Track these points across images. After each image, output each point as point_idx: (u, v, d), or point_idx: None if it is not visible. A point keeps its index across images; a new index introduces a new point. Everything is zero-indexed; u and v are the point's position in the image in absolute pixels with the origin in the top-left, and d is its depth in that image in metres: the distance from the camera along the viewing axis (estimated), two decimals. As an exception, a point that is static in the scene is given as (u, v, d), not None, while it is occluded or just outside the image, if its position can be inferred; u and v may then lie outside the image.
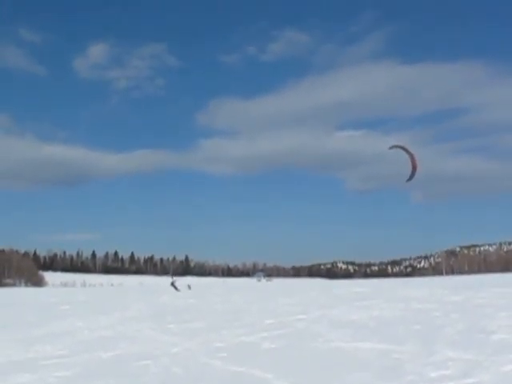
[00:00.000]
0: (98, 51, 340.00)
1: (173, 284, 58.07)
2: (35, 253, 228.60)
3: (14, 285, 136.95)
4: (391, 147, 18.86)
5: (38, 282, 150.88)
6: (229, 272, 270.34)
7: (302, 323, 14.50)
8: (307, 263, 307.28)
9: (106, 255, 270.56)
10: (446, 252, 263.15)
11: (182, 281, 72.62)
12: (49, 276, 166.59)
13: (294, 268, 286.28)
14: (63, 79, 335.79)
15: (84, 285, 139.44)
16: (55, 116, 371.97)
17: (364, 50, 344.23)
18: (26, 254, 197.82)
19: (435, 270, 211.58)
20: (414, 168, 17.99)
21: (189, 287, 62.13)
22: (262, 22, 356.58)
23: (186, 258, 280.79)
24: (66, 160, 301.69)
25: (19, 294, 55.11)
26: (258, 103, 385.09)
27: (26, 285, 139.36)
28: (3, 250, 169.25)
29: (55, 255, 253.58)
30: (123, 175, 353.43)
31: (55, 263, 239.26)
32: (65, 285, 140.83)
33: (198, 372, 8.02)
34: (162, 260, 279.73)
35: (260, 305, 23.84)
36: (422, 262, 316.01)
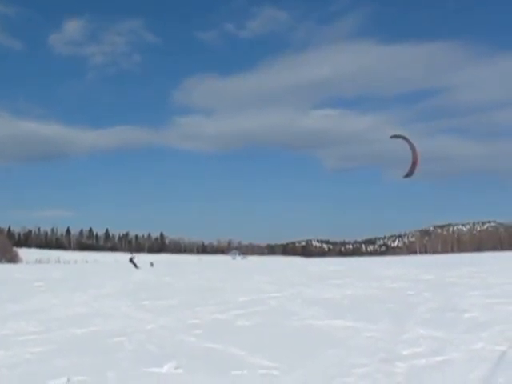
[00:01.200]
0: (73, 26, 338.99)
1: (131, 260, 57.62)
2: (9, 229, 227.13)
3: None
4: (392, 136, 17.64)
5: (13, 259, 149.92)
6: (204, 249, 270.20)
7: (277, 301, 14.56)
8: (282, 241, 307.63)
9: (81, 232, 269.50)
10: (419, 231, 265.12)
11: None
12: (23, 252, 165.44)
13: (268, 246, 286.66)
14: (38, 54, 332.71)
15: (58, 261, 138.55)
16: (30, 92, 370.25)
17: (342, 29, 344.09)
18: (1, 231, 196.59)
19: (409, 249, 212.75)
20: (415, 163, 16.61)
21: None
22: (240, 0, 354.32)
23: (161, 235, 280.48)
24: (41, 137, 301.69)
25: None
26: (235, 81, 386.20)
27: (0, 261, 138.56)
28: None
29: (30, 232, 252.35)
30: (99, 152, 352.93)
31: (30, 240, 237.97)
32: (39, 261, 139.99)
33: (172, 349, 8.02)
34: (136, 237, 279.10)
35: (235, 282, 23.96)
36: (396, 241, 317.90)
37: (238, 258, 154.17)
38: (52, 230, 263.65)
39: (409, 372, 6.17)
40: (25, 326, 11.00)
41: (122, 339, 8.97)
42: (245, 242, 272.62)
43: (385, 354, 7.21)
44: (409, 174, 16.50)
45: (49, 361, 7.42)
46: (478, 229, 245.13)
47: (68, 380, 6.24)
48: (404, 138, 16.66)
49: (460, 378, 5.75)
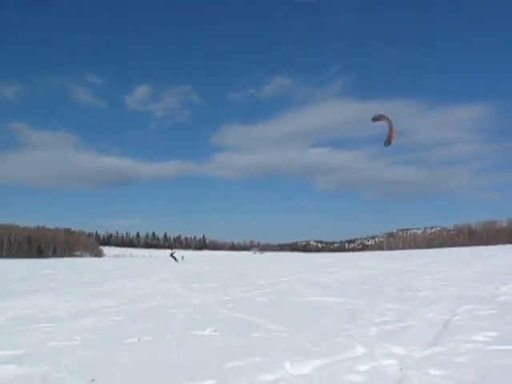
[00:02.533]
0: (142, 90, 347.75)
1: (172, 255, 54.29)
2: (96, 233, 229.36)
3: (81, 256, 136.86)
4: (373, 119, 14.89)
5: (99, 254, 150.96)
6: (233, 247, 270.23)
7: (285, 284, 14.54)
8: (289, 241, 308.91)
9: (147, 235, 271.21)
10: (386, 234, 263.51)
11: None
12: (106, 249, 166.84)
13: (279, 244, 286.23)
14: (117, 111, 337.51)
15: (131, 256, 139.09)
16: (111, 136, 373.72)
17: (331, 91, 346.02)
18: (90, 234, 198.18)
19: (379, 247, 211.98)
20: (391, 130, 14.41)
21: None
22: (259, 71, 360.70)
23: (203, 236, 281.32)
24: (117, 168, 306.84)
25: (85, 263, 55.01)
26: (256, 128, 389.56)
27: (90, 256, 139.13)
28: (74, 231, 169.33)
29: (111, 235, 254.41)
30: (158, 179, 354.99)
31: (111, 240, 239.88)
32: (117, 256, 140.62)
33: (211, 318, 8.03)
34: (186, 238, 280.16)
35: (255, 271, 23.89)
36: (370, 240, 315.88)
37: (257, 253, 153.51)
38: (126, 233, 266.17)
39: (379, 334, 6.16)
40: (107, 301, 11.05)
41: (175, 311, 8.99)
42: (262, 242, 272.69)
43: (363, 321, 7.20)
44: (387, 143, 14.42)
45: (124, 326, 7.45)
46: (428, 231, 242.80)
47: (138, 340, 6.26)
48: (381, 116, 14.61)
49: (416, 339, 5.73)
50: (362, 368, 4.56)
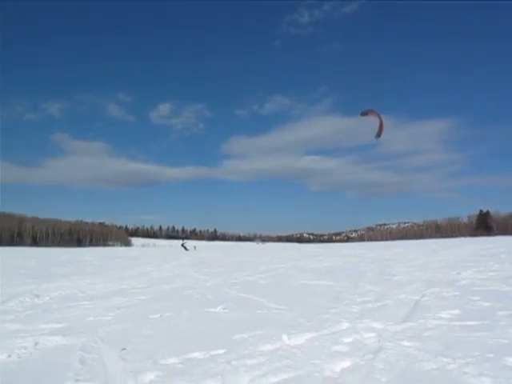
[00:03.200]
0: (164, 107, 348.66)
1: (183, 245, 51.17)
2: (126, 226, 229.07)
3: (113, 245, 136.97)
4: (361, 113, 13.70)
5: (128, 243, 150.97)
6: (240, 238, 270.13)
7: (282, 269, 14.52)
8: (286, 233, 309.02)
9: (168, 228, 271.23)
10: (367, 228, 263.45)
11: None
12: (134, 240, 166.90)
13: (278, 236, 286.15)
14: (143, 124, 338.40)
15: (154, 245, 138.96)
16: (138, 145, 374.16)
17: (320, 108, 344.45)
18: (120, 227, 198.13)
19: (361, 239, 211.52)
20: (381, 125, 13.29)
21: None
22: (262, 91, 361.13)
23: (215, 229, 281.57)
24: (144, 172, 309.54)
25: (117, 251, 55.00)
26: (259, 139, 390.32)
27: (121, 245, 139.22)
28: (107, 225, 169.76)
29: (138, 228, 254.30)
30: (178, 181, 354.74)
31: (138, 232, 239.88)
32: (143, 245, 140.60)
33: (221, 297, 8.04)
34: (200, 231, 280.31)
35: (257, 258, 23.87)
36: (353, 233, 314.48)
37: (260, 243, 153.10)
38: (150, 226, 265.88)
39: (361, 311, 6.15)
40: (134, 283, 11.05)
41: (191, 292, 9.00)
42: (264, 233, 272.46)
43: (347, 301, 7.19)
44: (378, 135, 13.40)
45: (149, 304, 7.46)
46: (402, 226, 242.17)
47: (160, 316, 6.27)
48: (370, 110, 13.40)
49: (392, 315, 5.72)
50: (347, 340, 4.57)
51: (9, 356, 4.34)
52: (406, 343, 4.34)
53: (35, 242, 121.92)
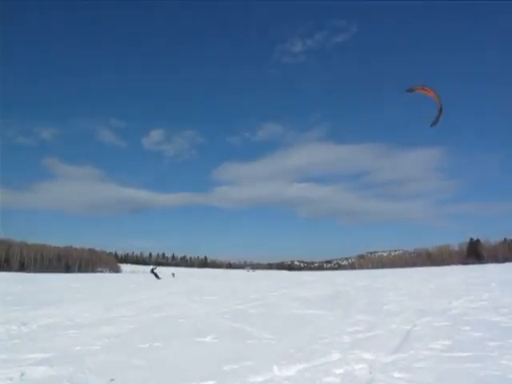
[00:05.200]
0: (156, 133, 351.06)
1: (152, 271, 42.88)
2: (116, 252, 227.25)
3: (102, 271, 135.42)
4: (410, 89, 10.79)
5: (117, 270, 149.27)
6: (230, 266, 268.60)
7: (273, 297, 14.44)
8: (276, 261, 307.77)
9: (157, 255, 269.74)
10: (358, 256, 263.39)
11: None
12: (123, 266, 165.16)
13: (268, 264, 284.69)
14: (135, 149, 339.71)
15: (144, 272, 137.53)
16: (129, 171, 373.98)
17: (313, 135, 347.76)
18: (110, 253, 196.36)
19: (352, 266, 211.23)
20: (440, 110, 10.36)
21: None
22: (254, 118, 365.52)
23: (205, 257, 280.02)
24: (135, 198, 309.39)
25: (105, 277, 54.36)
26: (250, 166, 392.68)
27: (110, 271, 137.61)
28: (97, 251, 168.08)
29: (127, 254, 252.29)
30: (169, 207, 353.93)
31: (127, 258, 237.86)
32: (132, 272, 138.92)
33: (212, 326, 7.95)
34: (190, 258, 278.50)
35: (248, 286, 23.73)
36: (344, 261, 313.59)
37: (250, 271, 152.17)
38: (140, 253, 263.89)
39: (352, 342, 6.12)
40: (123, 311, 10.90)
41: (181, 320, 8.89)
42: (254, 261, 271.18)
43: (337, 331, 7.15)
44: (435, 122, 10.73)
45: (138, 333, 7.37)
46: (393, 254, 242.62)
47: (150, 345, 6.20)
48: (421, 87, 10.58)
49: (382, 346, 5.71)
50: (338, 371, 4.55)
51: (-6, 387, 4.27)
52: (396, 375, 4.32)
53: (22, 267, 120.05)
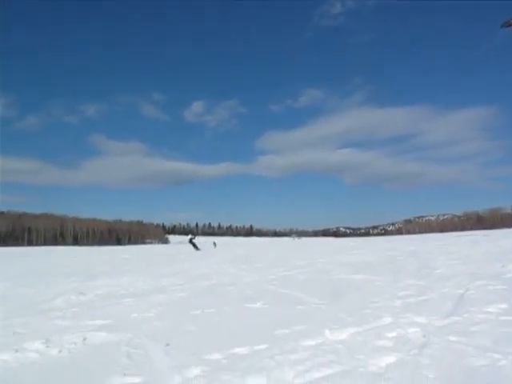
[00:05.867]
0: (197, 105, 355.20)
1: (191, 241, 38.49)
2: (163, 224, 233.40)
3: (151, 243, 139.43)
4: (508, 23, 9.79)
5: (165, 241, 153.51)
6: (276, 234, 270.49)
7: (320, 264, 14.41)
8: (322, 228, 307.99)
9: (204, 225, 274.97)
10: (404, 221, 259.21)
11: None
12: (171, 238, 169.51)
13: (313, 231, 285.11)
14: (177, 122, 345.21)
15: (199, 242, 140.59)
16: (173, 144, 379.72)
17: (355, 99, 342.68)
18: (158, 225, 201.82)
19: (398, 232, 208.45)
20: None
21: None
22: (295, 84, 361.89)
23: (251, 226, 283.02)
24: (179, 170, 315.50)
25: (154, 249, 56.02)
26: (293, 133, 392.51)
27: (158, 243, 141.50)
28: (145, 223, 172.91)
29: (174, 226, 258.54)
30: (212, 178, 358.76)
31: (175, 230, 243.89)
32: (180, 242, 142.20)
33: (261, 293, 8.05)
34: (236, 227, 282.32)
35: (294, 253, 23.81)
36: (391, 226, 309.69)
37: (296, 238, 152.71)
38: (187, 224, 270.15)
39: (403, 306, 6.04)
40: (174, 280, 11.20)
41: (230, 288, 9.05)
42: (300, 229, 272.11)
43: (387, 295, 7.06)
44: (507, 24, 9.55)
45: (189, 301, 7.56)
46: (441, 218, 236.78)
47: (202, 311, 6.35)
48: None
49: (435, 310, 5.60)
50: (390, 335, 4.51)
51: (60, 351, 4.50)
52: (452, 338, 4.24)
53: (76, 241, 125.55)
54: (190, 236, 39.92)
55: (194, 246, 36.97)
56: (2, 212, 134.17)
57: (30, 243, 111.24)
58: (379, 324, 5.01)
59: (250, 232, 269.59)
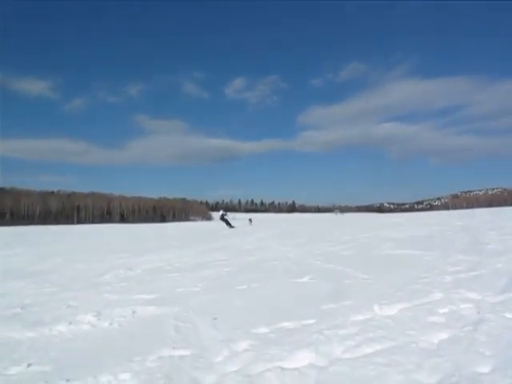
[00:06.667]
0: (238, 82, 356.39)
1: (223, 218, 34.15)
2: (206, 201, 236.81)
3: (195, 220, 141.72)
4: None
5: (209, 218, 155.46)
6: (318, 210, 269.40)
7: (365, 239, 14.20)
8: (365, 203, 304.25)
9: (246, 202, 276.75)
10: (451, 195, 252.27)
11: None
12: (214, 214, 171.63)
13: (357, 206, 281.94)
14: (218, 100, 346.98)
15: (234, 218, 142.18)
16: (215, 121, 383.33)
17: (399, 71, 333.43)
18: (201, 202, 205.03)
19: (444, 207, 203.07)
20: None
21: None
22: (336, 58, 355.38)
23: (293, 201, 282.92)
24: (221, 147, 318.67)
25: (198, 225, 56.85)
26: (334, 108, 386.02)
27: (202, 220, 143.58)
28: (189, 200, 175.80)
29: (217, 202, 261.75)
30: (255, 155, 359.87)
31: (218, 206, 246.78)
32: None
33: (306, 268, 8.00)
34: (279, 203, 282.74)
35: (338, 229, 23.56)
36: (436, 201, 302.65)
37: (339, 214, 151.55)
38: (230, 200, 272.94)
39: (455, 281, 5.86)
40: (218, 255, 11.31)
41: (275, 263, 9.05)
42: (342, 204, 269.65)
43: (437, 271, 6.87)
44: None
45: (235, 276, 7.61)
46: (490, 193, 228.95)
47: (248, 286, 6.37)
48: None
49: (489, 286, 5.39)
50: (442, 311, 4.37)
51: (110, 324, 4.63)
52: (508, 315, 4.06)
53: (123, 218, 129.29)
54: (221, 212, 35.13)
55: (227, 222, 33.19)
56: (53, 192, 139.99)
57: (80, 221, 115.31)
58: (430, 300, 4.87)
59: (292, 208, 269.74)
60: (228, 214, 36.53)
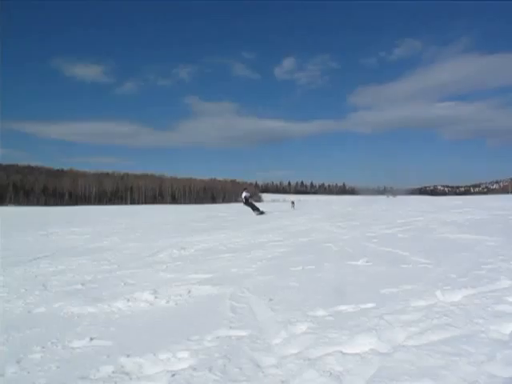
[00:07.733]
0: (288, 62, 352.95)
1: (247, 201, 27.38)
2: (256, 182, 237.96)
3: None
4: None
5: (259, 199, 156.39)
6: (370, 192, 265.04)
7: (421, 222, 13.75)
8: (418, 186, 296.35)
9: (296, 183, 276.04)
10: (510, 178, 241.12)
11: (332, 198, 67.26)
12: (264, 196, 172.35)
13: (409, 189, 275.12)
14: (268, 80, 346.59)
15: (284, 200, 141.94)
16: (265, 102, 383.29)
17: (457, 47, 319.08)
18: (251, 184, 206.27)
19: (504, 190, 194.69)
20: None
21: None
22: (388, 35, 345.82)
23: (343, 183, 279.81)
24: (271, 128, 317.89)
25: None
26: (386, 88, 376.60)
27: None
28: (239, 182, 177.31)
29: (267, 184, 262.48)
30: (306, 136, 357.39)
31: (268, 188, 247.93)
32: (273, 201, 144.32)
33: (361, 250, 7.82)
34: (329, 185, 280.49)
35: (392, 211, 22.97)
36: (495, 185, 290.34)
37: (391, 197, 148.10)
38: (280, 182, 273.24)
39: (523, 268, 5.54)
40: (271, 236, 11.29)
41: (329, 245, 8.90)
42: (395, 186, 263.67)
43: (502, 256, 6.52)
44: None
45: (289, 257, 7.55)
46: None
47: (302, 268, 6.30)
48: None
49: (562, 273, 5.07)
50: (511, 299, 4.12)
51: (167, 302, 4.70)
52: None
53: (174, 199, 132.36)
54: (244, 194, 27.70)
55: (253, 207, 26.62)
56: (107, 173, 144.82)
57: (133, 202, 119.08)
58: (497, 287, 4.61)
59: (343, 190, 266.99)
60: (251, 195, 30.08)
